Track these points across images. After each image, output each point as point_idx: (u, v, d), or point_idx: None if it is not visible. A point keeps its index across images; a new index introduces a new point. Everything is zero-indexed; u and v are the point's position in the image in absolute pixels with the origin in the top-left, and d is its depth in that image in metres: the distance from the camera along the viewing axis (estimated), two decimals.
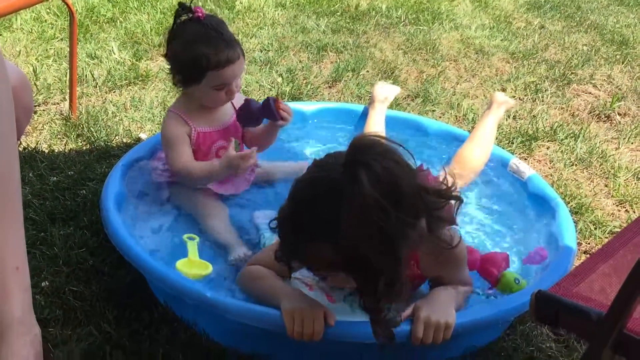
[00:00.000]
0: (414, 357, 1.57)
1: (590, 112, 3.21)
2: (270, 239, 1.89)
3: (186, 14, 2.00)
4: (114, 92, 3.08)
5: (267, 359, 1.60)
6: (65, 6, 2.63)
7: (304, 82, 3.29)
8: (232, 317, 1.53)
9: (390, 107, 2.97)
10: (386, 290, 1.33)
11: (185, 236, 1.90)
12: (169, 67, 2.10)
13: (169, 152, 2.05)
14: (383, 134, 2.44)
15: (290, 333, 1.46)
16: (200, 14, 1.99)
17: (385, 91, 2.66)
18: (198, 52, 1.95)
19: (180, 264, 1.75)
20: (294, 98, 3.11)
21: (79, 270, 1.87)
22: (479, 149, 2.31)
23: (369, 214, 1.25)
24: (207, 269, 1.79)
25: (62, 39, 3.58)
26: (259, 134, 2.16)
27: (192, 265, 1.78)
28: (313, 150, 2.53)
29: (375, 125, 2.47)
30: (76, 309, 1.74)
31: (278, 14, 4.24)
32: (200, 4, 4.15)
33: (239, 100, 2.15)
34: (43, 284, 1.80)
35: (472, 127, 2.91)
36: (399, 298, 1.40)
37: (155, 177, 2.14)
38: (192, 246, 1.88)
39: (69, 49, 2.73)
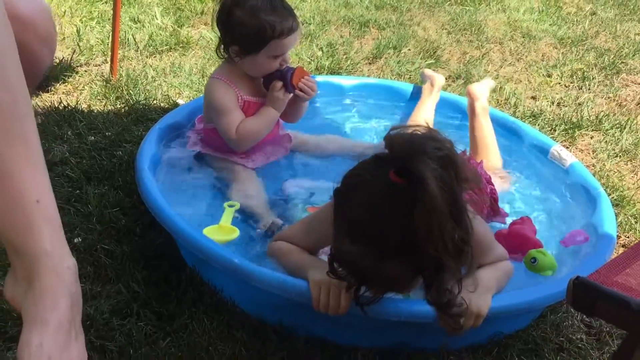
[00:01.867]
0: (436, 339, 1.54)
1: (639, 103, 3.10)
2: (302, 209, 1.88)
3: None
4: (155, 57, 3.09)
5: (292, 331, 1.59)
6: None
7: (344, 57, 3.25)
8: (257, 285, 1.53)
9: None
10: (456, 284, 1.32)
11: (226, 203, 1.90)
12: (220, 36, 2.06)
13: (222, 119, 2.02)
14: (431, 120, 2.40)
15: (316, 305, 1.44)
16: None
17: (482, 89, 2.45)
18: (263, 20, 1.93)
19: (207, 230, 1.75)
20: (333, 72, 3.08)
21: (112, 229, 1.89)
22: (492, 154, 2.23)
23: (444, 220, 1.22)
24: (233, 233, 1.79)
25: (106, 2, 3.60)
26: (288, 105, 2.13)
27: (220, 231, 1.78)
28: (349, 125, 2.50)
29: (427, 112, 2.42)
30: (107, 266, 1.75)
31: None
32: None
33: None
34: (76, 240, 1.82)
35: (513, 112, 2.85)
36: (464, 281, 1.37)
37: (190, 145, 2.13)
38: (229, 213, 1.89)
39: (112, 12, 2.74)
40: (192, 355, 1.51)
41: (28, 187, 1.09)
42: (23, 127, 1.10)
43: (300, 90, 2.04)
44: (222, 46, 2.05)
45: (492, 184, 1.98)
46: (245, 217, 1.91)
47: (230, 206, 1.92)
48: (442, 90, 2.62)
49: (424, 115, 2.43)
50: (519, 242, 1.84)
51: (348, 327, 1.54)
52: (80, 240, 1.83)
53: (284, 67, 2.03)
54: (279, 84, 2.02)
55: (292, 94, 2.05)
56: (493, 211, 1.98)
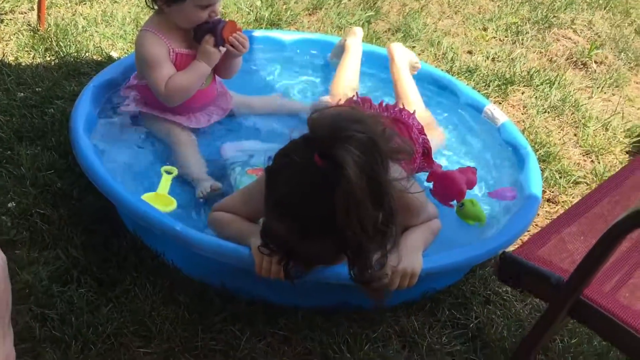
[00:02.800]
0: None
1: (568, 59, 3.21)
2: (241, 173, 1.89)
3: None
4: (85, 3, 2.95)
5: (234, 293, 1.63)
6: None
7: (284, 7, 3.20)
8: (201, 252, 1.55)
9: (370, 40, 2.93)
10: (378, 260, 1.38)
11: (163, 168, 1.89)
12: None
13: (151, 73, 1.97)
14: (357, 75, 2.41)
15: (259, 270, 1.48)
16: None
17: (406, 55, 2.48)
18: None
19: (145, 197, 1.74)
20: (273, 24, 3.03)
21: (47, 193, 1.85)
22: (415, 102, 2.28)
23: (362, 205, 1.25)
24: (171, 204, 1.79)
25: None
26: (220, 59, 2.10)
27: (158, 200, 1.77)
28: (285, 83, 2.49)
29: (353, 72, 2.42)
30: (43, 231, 1.73)
31: None
32: None
33: None
34: (10, 204, 1.78)
35: (450, 68, 2.90)
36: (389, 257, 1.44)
37: (125, 106, 2.07)
38: (166, 180, 1.87)
39: None
40: (135, 321, 1.54)
41: None
42: None
43: (231, 45, 1.99)
44: None
45: (424, 134, 2.04)
46: (184, 182, 1.90)
47: (168, 172, 1.90)
48: (380, 45, 2.64)
49: (351, 72, 2.43)
50: (447, 184, 1.93)
51: (288, 288, 1.59)
52: (14, 204, 1.79)
53: (215, 19, 1.97)
54: (211, 37, 1.97)
55: (224, 49, 2.00)
56: (427, 161, 2.05)
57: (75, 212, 1.80)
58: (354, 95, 2.10)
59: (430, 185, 1.95)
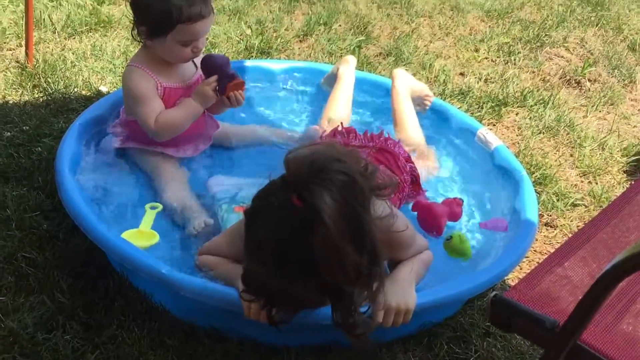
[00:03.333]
0: (370, 334, 1.57)
1: (561, 78, 3.19)
2: (228, 210, 1.85)
3: None
4: (74, 38, 2.94)
5: (224, 334, 1.58)
6: None
7: (274, 35, 3.19)
8: (189, 295, 1.51)
9: (361, 66, 2.92)
10: (362, 304, 1.34)
11: (147, 205, 1.86)
12: (133, 16, 1.99)
13: (141, 109, 1.95)
14: (349, 103, 2.39)
15: (247, 313, 1.44)
16: None
17: (409, 82, 2.46)
18: (170, 3, 1.87)
19: (127, 234, 1.71)
20: (263, 53, 3.02)
21: (33, 235, 1.82)
22: (411, 129, 2.26)
23: (341, 249, 1.21)
24: (153, 238, 1.76)
25: None
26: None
27: (140, 236, 1.74)
28: (274, 114, 2.47)
29: (344, 102, 2.39)
30: (29, 276, 1.69)
31: None
32: None
33: (198, 58, 2.06)
34: None
35: (443, 90, 2.88)
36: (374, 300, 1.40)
37: (115, 141, 2.05)
38: (150, 215, 1.85)
39: None
40: None
41: None
42: None
43: (229, 99, 1.99)
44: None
45: (412, 162, 2.01)
46: (172, 217, 1.87)
47: (153, 208, 1.88)
48: (371, 69, 2.62)
49: (344, 97, 2.41)
50: (427, 216, 1.91)
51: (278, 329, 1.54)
52: None
53: (231, 72, 1.96)
54: (213, 82, 1.95)
55: (220, 96, 1.99)
56: (415, 189, 2.02)
57: (61, 254, 1.77)
58: (338, 126, 2.07)
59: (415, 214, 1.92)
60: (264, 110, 2.46)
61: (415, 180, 2.01)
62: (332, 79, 2.51)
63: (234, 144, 2.19)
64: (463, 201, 1.94)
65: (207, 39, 2.92)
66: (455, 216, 1.90)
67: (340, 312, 1.33)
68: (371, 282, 1.31)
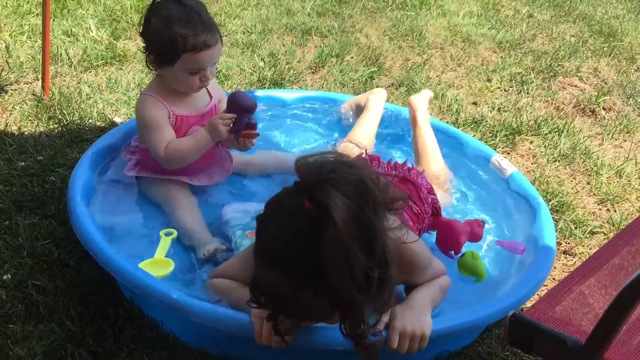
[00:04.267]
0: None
1: (575, 106, 3.17)
2: (242, 236, 1.84)
3: None
4: (90, 72, 2.99)
5: None
6: None
7: (287, 67, 3.21)
8: (198, 320, 1.48)
9: None
10: (374, 314, 1.31)
11: (162, 232, 1.85)
12: (143, 45, 2.02)
13: (151, 136, 1.96)
14: (374, 133, 2.38)
15: (259, 338, 1.41)
16: None
17: (422, 100, 2.43)
18: (175, 32, 1.88)
19: (143, 265, 1.70)
20: (276, 84, 3.04)
21: (44, 263, 1.80)
22: (434, 162, 2.23)
23: (351, 251, 1.19)
24: (169, 267, 1.74)
25: (37, 14, 3.45)
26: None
27: (155, 265, 1.73)
28: (290, 141, 2.47)
29: (369, 131, 2.39)
30: (39, 304, 1.67)
31: None
32: None
33: (213, 88, 2.07)
34: (5, 276, 1.74)
35: (456, 120, 2.87)
36: (385, 312, 1.37)
37: (127, 170, 2.05)
38: (164, 243, 1.83)
39: (42, 25, 2.63)
40: None
41: None
42: None
43: (239, 143, 1.99)
44: None
45: (434, 194, 1.98)
46: (184, 245, 1.86)
47: (167, 234, 1.87)
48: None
49: (370, 126, 2.40)
50: (447, 232, 1.88)
51: (291, 355, 1.50)
52: (9, 276, 1.74)
53: (252, 120, 1.96)
54: (228, 119, 1.93)
55: (231, 135, 1.97)
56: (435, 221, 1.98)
57: (71, 282, 1.75)
58: (362, 153, 2.05)
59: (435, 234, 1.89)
60: (277, 139, 2.46)
61: (436, 212, 1.98)
62: (359, 109, 2.51)
63: (250, 172, 2.18)
64: (484, 223, 1.90)
65: (219, 70, 2.95)
66: (476, 237, 1.86)
67: (349, 323, 1.29)
68: (381, 292, 1.26)
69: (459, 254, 1.84)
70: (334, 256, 1.20)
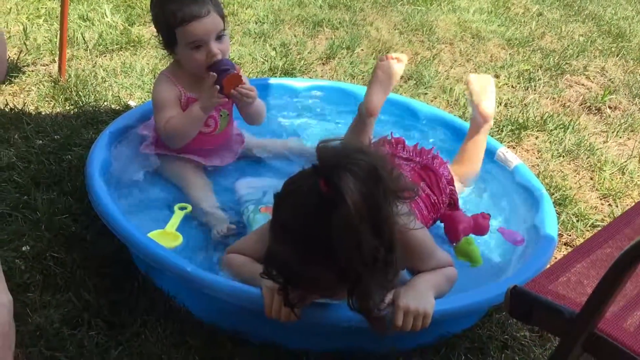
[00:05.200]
0: (388, 341, 1.58)
1: (582, 104, 3.21)
2: (255, 211, 1.90)
3: None
4: (105, 56, 3.04)
5: (246, 336, 1.61)
6: None
7: (298, 57, 3.26)
8: (211, 292, 1.54)
9: None
10: (380, 292, 1.36)
11: (177, 206, 1.91)
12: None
13: (156, 114, 2.03)
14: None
15: (268, 312, 1.47)
16: None
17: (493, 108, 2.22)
18: (166, 10, 1.95)
19: (152, 235, 1.76)
20: (287, 73, 3.09)
21: (61, 237, 1.86)
22: (473, 168, 2.22)
23: (360, 231, 1.26)
24: (177, 240, 1.81)
25: None
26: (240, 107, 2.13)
27: (164, 237, 1.79)
28: (301, 127, 2.52)
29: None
30: (56, 275, 1.73)
31: None
32: None
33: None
34: (24, 248, 1.80)
35: (463, 113, 2.92)
36: (389, 290, 1.44)
37: (143, 148, 2.11)
38: (177, 216, 1.90)
39: (60, 9, 2.68)
40: None
41: None
42: None
43: (234, 97, 2.00)
44: None
45: (453, 185, 2.02)
46: (197, 222, 1.91)
47: (182, 209, 1.93)
48: (392, 92, 2.63)
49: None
50: (448, 222, 1.93)
51: (300, 332, 1.56)
52: (28, 248, 1.80)
53: (223, 66, 1.95)
54: (213, 82, 1.95)
55: (223, 97, 1.99)
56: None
57: (88, 255, 1.81)
58: (387, 135, 2.07)
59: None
60: (289, 125, 2.51)
61: (453, 203, 2.03)
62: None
63: (261, 154, 2.23)
64: (490, 216, 1.94)
65: (231, 58, 3.00)
66: (481, 229, 1.91)
67: (356, 297, 1.36)
68: (386, 272, 1.34)
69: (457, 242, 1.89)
70: (344, 234, 1.28)
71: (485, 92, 2.19)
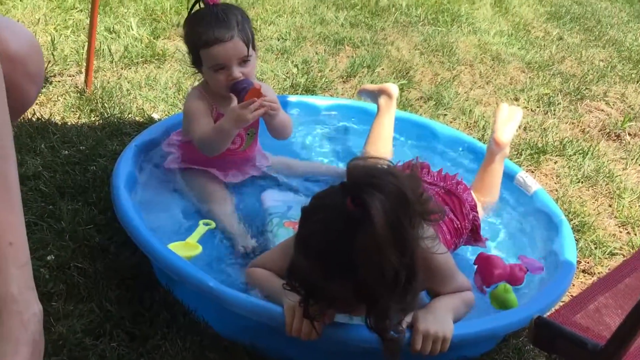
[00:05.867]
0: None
1: (601, 130, 3.22)
2: (279, 224, 1.92)
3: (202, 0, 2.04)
4: (130, 68, 3.09)
5: (265, 352, 1.62)
6: None
7: (319, 74, 3.30)
8: (231, 308, 1.56)
9: (402, 108, 3.00)
10: (398, 313, 1.39)
11: (201, 221, 1.95)
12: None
13: (190, 124, 2.07)
14: (390, 140, 2.43)
15: (289, 330, 1.48)
16: (209, 0, 2.02)
17: (510, 137, 2.24)
18: (192, 30, 2.02)
19: (172, 246, 1.78)
20: (308, 90, 3.12)
21: (85, 247, 1.89)
22: (491, 196, 2.24)
23: (383, 250, 1.29)
24: (196, 249, 1.84)
25: (81, 10, 3.58)
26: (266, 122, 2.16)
27: (184, 248, 1.82)
28: (320, 146, 2.55)
29: (387, 128, 2.45)
30: (79, 285, 1.76)
31: (298, 2, 4.24)
32: None
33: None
34: (49, 257, 1.82)
35: (482, 135, 2.93)
36: (408, 313, 1.46)
37: (168, 162, 2.15)
38: (200, 230, 1.92)
39: (88, 22, 2.74)
40: None
41: (3, 228, 1.11)
42: (4, 168, 1.12)
43: (260, 114, 2.00)
44: None
45: (476, 211, 2.04)
46: (221, 236, 1.94)
47: (206, 224, 1.96)
48: (412, 112, 2.67)
49: (384, 132, 2.43)
50: (484, 264, 1.91)
51: (319, 351, 1.57)
52: (53, 257, 1.83)
53: (243, 84, 1.99)
54: (235, 99, 2.01)
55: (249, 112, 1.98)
56: (474, 237, 2.05)
57: (111, 266, 1.84)
58: (413, 159, 2.09)
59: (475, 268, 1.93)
60: (310, 144, 2.54)
61: (475, 229, 2.04)
62: (373, 98, 2.51)
63: (283, 173, 2.26)
64: (528, 270, 1.91)
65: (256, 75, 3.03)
66: (516, 280, 1.87)
67: (374, 317, 1.38)
68: (406, 293, 1.36)
69: (491, 287, 1.86)
70: (367, 253, 1.30)
71: (508, 121, 2.23)
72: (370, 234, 1.28)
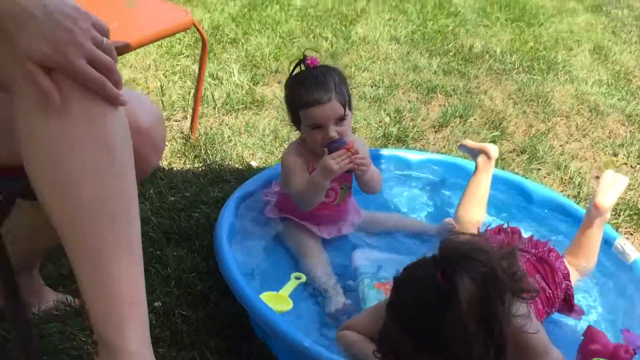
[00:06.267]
0: None
1: None
2: (369, 285, 1.97)
3: (303, 62, 2.15)
4: (231, 114, 3.26)
5: None
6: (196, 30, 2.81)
7: (411, 123, 3.35)
8: None
9: (495, 161, 2.98)
10: None
11: (293, 274, 2.03)
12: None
13: (288, 178, 2.18)
14: (485, 200, 2.43)
15: None
16: (309, 62, 2.13)
17: (612, 202, 2.21)
18: (293, 91, 2.15)
19: (264, 296, 1.87)
20: (400, 140, 3.18)
21: (188, 294, 2.01)
22: (589, 261, 2.19)
23: (470, 329, 1.33)
24: (288, 304, 1.91)
25: (187, 56, 3.82)
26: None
27: (276, 300, 1.90)
28: (413, 201, 2.59)
29: (483, 188, 2.45)
30: (183, 332, 1.87)
31: (392, 48, 4.32)
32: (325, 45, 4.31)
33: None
34: (156, 303, 1.95)
35: (578, 193, 2.87)
36: None
37: (268, 212, 2.27)
38: (292, 284, 2.00)
39: (194, 68, 2.92)
40: None
41: (126, 288, 1.23)
42: (129, 233, 1.24)
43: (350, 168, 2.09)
44: None
45: (569, 280, 2.01)
46: (310, 291, 2.01)
47: (297, 278, 2.04)
48: (505, 165, 2.66)
49: (480, 193, 2.44)
50: (588, 337, 1.85)
51: None
52: (160, 304, 1.96)
53: (336, 142, 2.09)
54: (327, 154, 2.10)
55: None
56: (567, 306, 2.02)
57: (211, 314, 1.94)
58: (504, 224, 2.10)
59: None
60: (399, 200, 2.59)
61: (568, 298, 2.02)
62: (472, 155, 2.54)
63: (374, 228, 2.32)
64: (636, 353, 1.81)
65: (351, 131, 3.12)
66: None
67: None
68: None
69: None
70: (455, 329, 1.35)
71: (612, 187, 2.20)
72: (458, 311, 1.33)
